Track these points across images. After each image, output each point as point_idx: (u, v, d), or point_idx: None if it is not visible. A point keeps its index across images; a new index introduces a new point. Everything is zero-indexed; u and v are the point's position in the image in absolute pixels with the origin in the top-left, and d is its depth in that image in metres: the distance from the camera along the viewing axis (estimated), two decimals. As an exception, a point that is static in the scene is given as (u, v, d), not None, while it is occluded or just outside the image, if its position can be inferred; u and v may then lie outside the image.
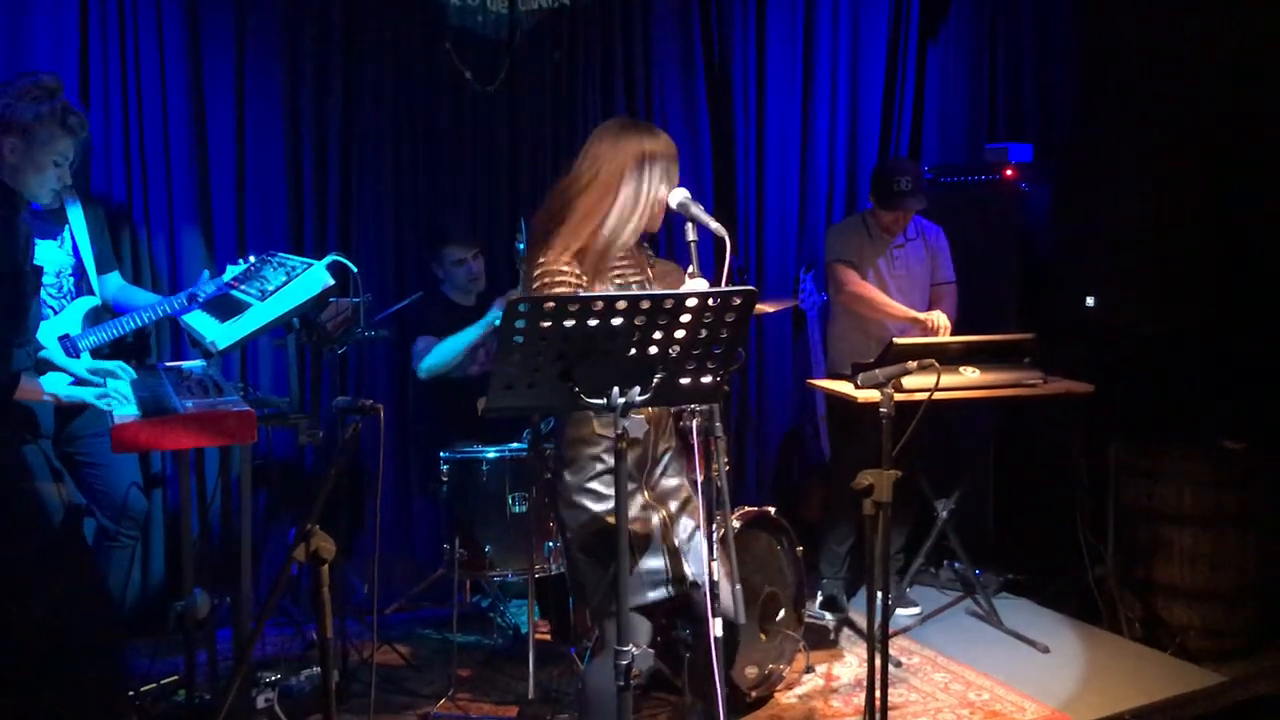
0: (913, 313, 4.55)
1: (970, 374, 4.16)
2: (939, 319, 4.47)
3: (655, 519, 2.81)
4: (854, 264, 4.65)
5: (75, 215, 3.79)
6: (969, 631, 4.59)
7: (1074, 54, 5.41)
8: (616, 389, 2.38)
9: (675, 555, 2.80)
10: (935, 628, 4.63)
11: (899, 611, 4.67)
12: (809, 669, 4.12)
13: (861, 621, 4.38)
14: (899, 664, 4.20)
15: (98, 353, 3.70)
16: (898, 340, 4.07)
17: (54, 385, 3.07)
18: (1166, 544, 4.45)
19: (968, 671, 4.18)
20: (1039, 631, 4.49)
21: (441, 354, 4.30)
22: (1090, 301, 4.63)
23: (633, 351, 2.35)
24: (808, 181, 5.45)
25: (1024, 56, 5.56)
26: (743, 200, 5.34)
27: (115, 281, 3.93)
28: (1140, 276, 4.48)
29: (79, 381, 3.16)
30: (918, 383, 3.92)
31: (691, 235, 2.76)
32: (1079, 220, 4.73)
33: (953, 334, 4.47)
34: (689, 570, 2.81)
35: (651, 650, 2.78)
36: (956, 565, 4.91)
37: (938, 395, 4.01)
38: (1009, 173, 5.04)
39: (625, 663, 2.43)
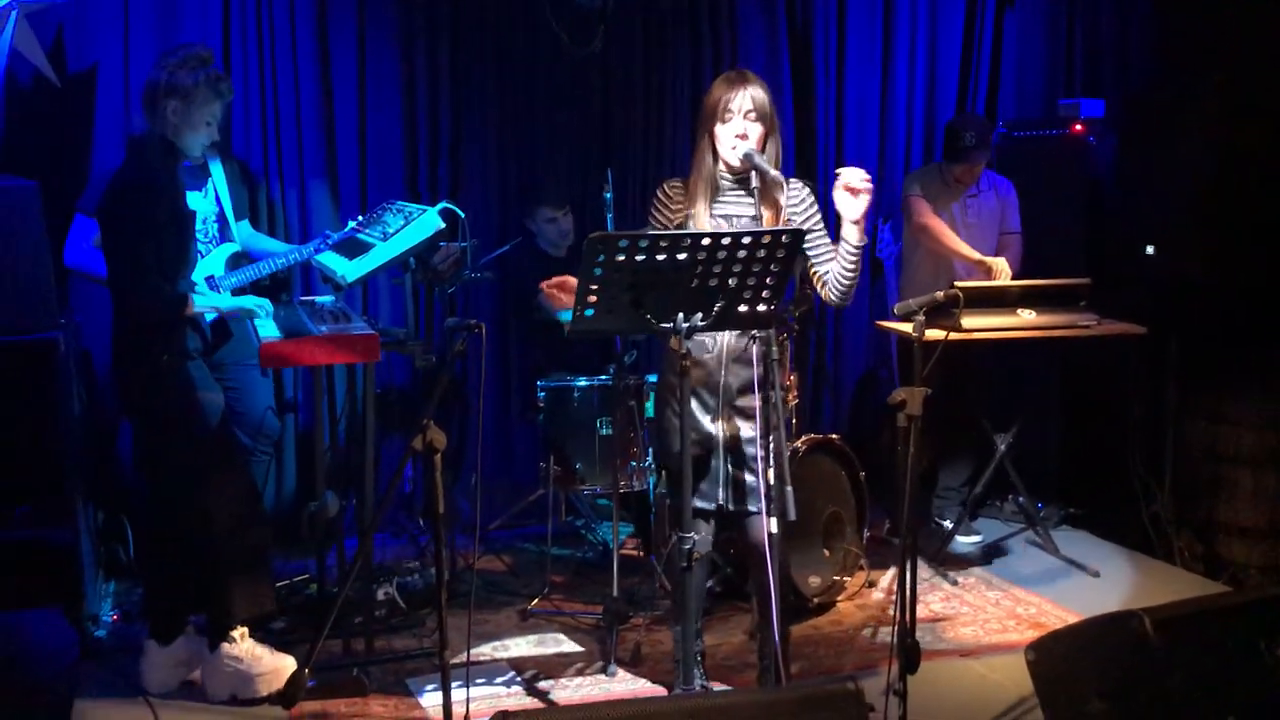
0: (976, 254, 4.80)
1: (1028, 315, 4.45)
2: (1000, 264, 4.75)
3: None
4: (928, 200, 4.92)
5: (216, 170, 4.28)
6: (1025, 558, 4.88)
7: (1149, 15, 5.55)
8: (681, 315, 2.79)
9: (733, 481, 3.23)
10: (993, 553, 4.93)
11: (960, 538, 4.97)
12: (869, 584, 4.45)
13: (925, 546, 4.73)
14: (955, 581, 4.53)
15: (238, 292, 4.20)
16: (959, 283, 4.38)
17: (212, 300, 3.55)
18: (1229, 484, 4.60)
19: (1018, 590, 4.48)
20: (1093, 560, 4.74)
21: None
22: (1150, 250, 4.81)
23: (695, 283, 2.75)
24: (886, 138, 5.70)
25: (1100, 18, 5.70)
26: (822, 156, 5.61)
27: (245, 229, 4.40)
28: (1197, 226, 4.60)
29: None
30: (976, 322, 4.26)
31: (755, 183, 3.18)
32: (1142, 172, 4.88)
33: (1015, 279, 4.74)
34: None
35: (710, 537, 3.21)
36: (1020, 499, 5.16)
37: (999, 335, 4.35)
38: (1078, 127, 5.24)
39: (688, 547, 2.86)
